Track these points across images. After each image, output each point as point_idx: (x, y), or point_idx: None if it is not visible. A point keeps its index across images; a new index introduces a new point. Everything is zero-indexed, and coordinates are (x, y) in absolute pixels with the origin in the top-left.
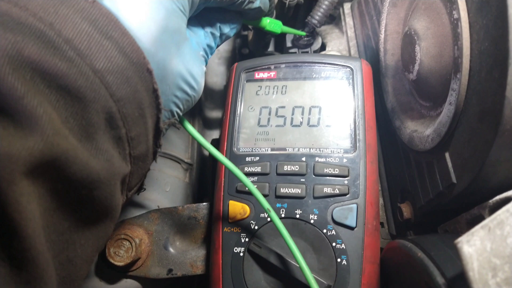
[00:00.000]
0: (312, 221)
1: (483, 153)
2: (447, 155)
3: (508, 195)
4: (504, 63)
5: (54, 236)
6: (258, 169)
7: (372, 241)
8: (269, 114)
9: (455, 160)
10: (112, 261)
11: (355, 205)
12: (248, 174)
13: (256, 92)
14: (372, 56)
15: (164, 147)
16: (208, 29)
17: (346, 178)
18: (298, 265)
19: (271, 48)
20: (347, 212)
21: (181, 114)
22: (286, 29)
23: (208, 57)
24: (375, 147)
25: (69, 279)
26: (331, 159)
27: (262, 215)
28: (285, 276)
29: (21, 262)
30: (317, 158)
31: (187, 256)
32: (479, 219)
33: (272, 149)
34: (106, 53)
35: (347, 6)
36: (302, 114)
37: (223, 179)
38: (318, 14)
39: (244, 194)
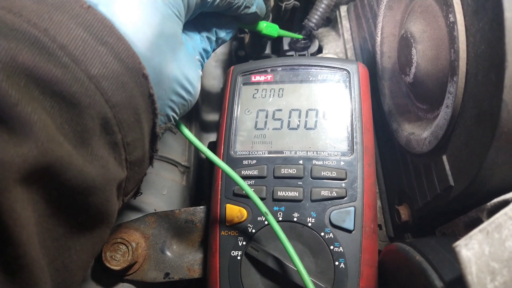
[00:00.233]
0: (309, 224)
1: (480, 155)
2: (444, 157)
3: (506, 198)
4: (500, 65)
5: (49, 242)
6: (255, 172)
7: (370, 244)
8: (266, 117)
9: (453, 162)
10: (109, 265)
11: (352, 208)
12: (245, 177)
13: (253, 95)
14: (368, 58)
15: (161, 150)
16: (204, 34)
17: (344, 181)
18: (296, 269)
19: (267, 50)
20: (344, 215)
21: (177, 118)
22: (283, 32)
23: (204, 61)
24: (372, 150)
25: (65, 285)
26: (329, 162)
27: (259, 218)
28: (283, 279)
29: (15, 268)
30: (314, 161)
31: (184, 259)
32: (477, 221)
33: (269, 152)
34: (101, 59)
35: (343, 9)
36: (299, 117)
37: (220, 182)
38: (315, 17)
39: (241, 198)
